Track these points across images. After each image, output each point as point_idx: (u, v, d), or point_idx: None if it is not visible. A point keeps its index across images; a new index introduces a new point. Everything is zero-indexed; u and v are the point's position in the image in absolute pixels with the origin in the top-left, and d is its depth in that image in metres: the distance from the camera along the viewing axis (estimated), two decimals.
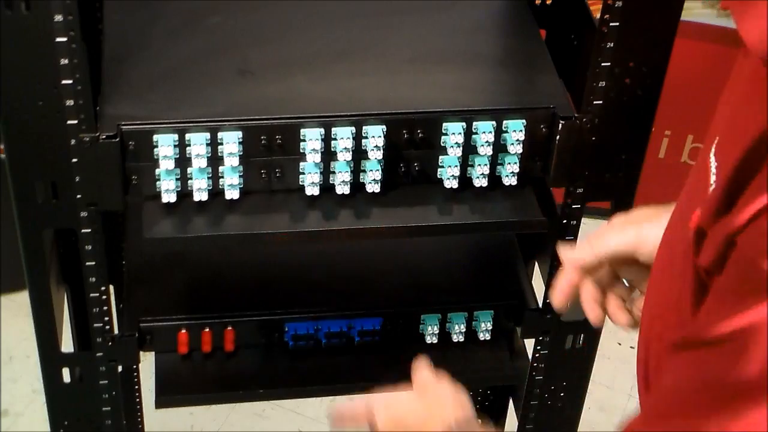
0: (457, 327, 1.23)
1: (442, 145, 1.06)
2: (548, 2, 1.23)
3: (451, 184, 1.08)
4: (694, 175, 0.78)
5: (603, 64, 1.02)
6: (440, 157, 1.08)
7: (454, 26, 1.19)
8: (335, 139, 1.04)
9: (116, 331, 1.15)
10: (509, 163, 1.08)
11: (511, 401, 1.41)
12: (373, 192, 1.07)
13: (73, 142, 0.98)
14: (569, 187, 1.12)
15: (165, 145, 1.01)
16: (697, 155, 0.81)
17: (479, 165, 1.08)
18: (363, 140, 1.05)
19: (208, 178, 1.04)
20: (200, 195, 1.04)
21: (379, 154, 1.04)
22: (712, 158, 0.71)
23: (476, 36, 1.18)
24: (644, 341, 0.91)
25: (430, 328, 1.23)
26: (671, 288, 0.78)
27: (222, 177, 1.04)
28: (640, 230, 0.94)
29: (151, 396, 1.21)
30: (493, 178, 1.09)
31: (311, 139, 1.03)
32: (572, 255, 0.98)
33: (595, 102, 1.05)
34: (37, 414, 2.16)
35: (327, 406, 2.20)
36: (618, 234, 0.96)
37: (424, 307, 1.23)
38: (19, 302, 2.35)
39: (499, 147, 1.07)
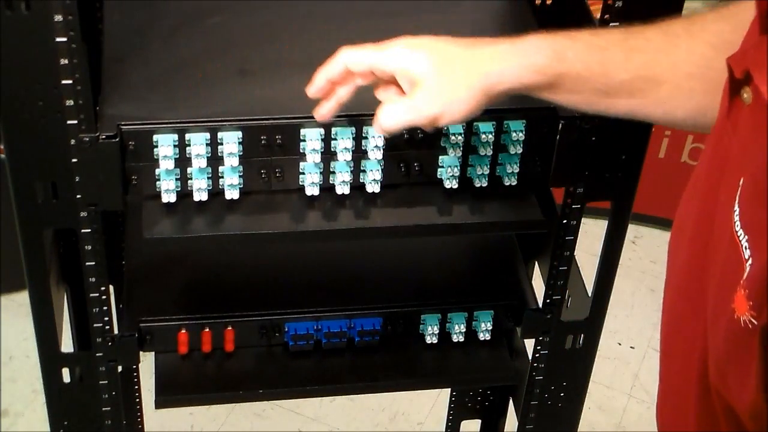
0: (457, 327, 1.23)
1: (442, 145, 1.07)
2: (548, 2, 1.23)
3: (451, 184, 1.08)
4: (705, 228, 0.77)
5: None
6: (440, 157, 1.08)
7: (454, 26, 1.19)
8: (335, 139, 1.04)
9: (116, 331, 1.15)
10: (509, 164, 1.08)
11: (511, 401, 1.41)
12: (373, 192, 1.08)
13: (73, 142, 0.98)
14: (569, 187, 1.12)
15: (165, 145, 1.01)
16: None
17: (479, 165, 1.08)
18: (363, 140, 1.05)
19: (208, 178, 1.04)
20: (200, 195, 1.04)
21: (379, 154, 1.04)
22: (739, 229, 0.70)
23: (476, 36, 1.18)
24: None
25: (430, 328, 1.23)
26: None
27: (222, 177, 1.04)
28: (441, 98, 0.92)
29: (151, 396, 1.21)
30: (493, 178, 1.09)
31: (311, 139, 1.03)
32: (354, 58, 0.96)
33: None
34: (37, 414, 2.16)
35: (327, 405, 2.21)
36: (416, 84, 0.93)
37: (424, 307, 1.23)
38: (19, 302, 2.35)
39: (500, 147, 1.07)
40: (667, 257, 0.86)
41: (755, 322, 0.68)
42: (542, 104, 1.06)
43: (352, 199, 1.08)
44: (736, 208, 0.71)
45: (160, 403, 1.21)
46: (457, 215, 1.09)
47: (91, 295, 1.10)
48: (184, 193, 1.05)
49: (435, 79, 0.92)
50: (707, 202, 0.78)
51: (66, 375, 1.15)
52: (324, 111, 1.00)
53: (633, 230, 2.64)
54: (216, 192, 1.05)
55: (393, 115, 0.94)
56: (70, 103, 0.96)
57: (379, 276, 1.28)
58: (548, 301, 1.20)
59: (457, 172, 1.08)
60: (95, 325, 1.12)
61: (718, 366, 0.76)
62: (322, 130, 1.03)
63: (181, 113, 1.03)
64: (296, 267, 1.27)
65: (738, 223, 0.70)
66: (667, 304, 0.86)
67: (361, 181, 1.07)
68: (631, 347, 2.37)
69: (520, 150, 1.07)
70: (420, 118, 0.93)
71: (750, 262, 0.68)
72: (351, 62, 0.96)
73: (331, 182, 1.07)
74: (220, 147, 1.02)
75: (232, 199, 1.05)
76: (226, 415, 2.19)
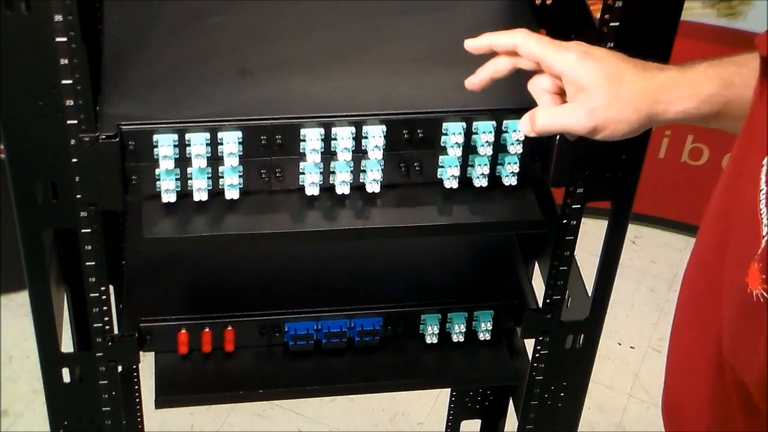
0: (457, 327, 1.23)
1: (442, 145, 1.07)
2: (548, 2, 1.23)
3: (451, 184, 1.08)
4: (732, 198, 0.78)
5: None
6: (440, 157, 1.08)
7: (454, 26, 1.19)
8: (335, 139, 1.04)
9: (116, 331, 1.15)
10: (509, 163, 1.08)
11: (511, 401, 1.41)
12: (373, 192, 1.08)
13: (73, 142, 0.98)
14: (569, 187, 1.12)
15: (165, 145, 1.01)
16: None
17: (479, 165, 1.08)
18: (363, 140, 1.05)
19: (208, 178, 1.04)
20: (200, 195, 1.04)
21: (379, 154, 1.04)
22: (763, 207, 0.71)
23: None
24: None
25: (430, 328, 1.23)
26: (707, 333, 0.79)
27: (222, 177, 1.04)
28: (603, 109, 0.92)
29: (151, 396, 1.21)
30: (493, 178, 1.09)
31: (311, 139, 1.03)
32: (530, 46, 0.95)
33: None
34: (37, 414, 2.16)
35: (327, 405, 2.21)
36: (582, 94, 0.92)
37: (424, 307, 1.23)
38: (19, 302, 2.35)
39: (499, 147, 1.07)
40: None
41: (766, 296, 0.69)
42: None
43: (352, 199, 1.08)
44: (763, 186, 0.71)
45: (160, 403, 1.21)
46: (457, 215, 1.09)
47: (91, 295, 1.10)
48: (184, 193, 1.05)
49: (603, 92, 0.91)
50: (733, 179, 0.78)
51: (66, 375, 1.15)
52: (476, 80, 1.00)
53: (633, 230, 2.64)
54: (216, 192, 1.05)
55: (552, 116, 0.93)
56: (70, 103, 0.96)
57: (379, 276, 1.28)
58: (548, 301, 1.20)
59: (457, 172, 1.08)
60: (95, 325, 1.12)
61: (730, 339, 0.77)
62: (322, 130, 1.03)
63: (181, 113, 1.03)
64: (296, 267, 1.27)
65: (763, 201, 0.71)
66: (687, 278, 0.87)
67: (361, 181, 1.07)
68: (631, 347, 2.37)
69: (520, 150, 1.07)
70: (579, 126, 0.93)
71: (767, 238, 0.69)
72: (523, 46, 0.95)
73: (331, 182, 1.07)
74: (220, 147, 1.02)
75: (232, 199, 1.05)
76: (226, 415, 2.20)
